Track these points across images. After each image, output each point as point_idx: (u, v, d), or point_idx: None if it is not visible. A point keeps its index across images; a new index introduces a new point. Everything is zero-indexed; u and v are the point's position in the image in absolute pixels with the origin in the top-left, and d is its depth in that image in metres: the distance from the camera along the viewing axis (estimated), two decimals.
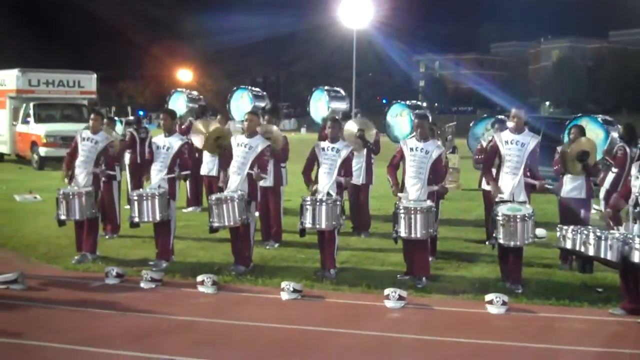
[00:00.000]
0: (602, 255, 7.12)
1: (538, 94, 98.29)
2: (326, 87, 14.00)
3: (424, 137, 8.69)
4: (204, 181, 13.05)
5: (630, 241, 6.89)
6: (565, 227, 7.66)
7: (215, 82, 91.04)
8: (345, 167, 8.96)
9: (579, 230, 7.39)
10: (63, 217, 9.27)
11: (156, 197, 8.99)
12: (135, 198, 9.03)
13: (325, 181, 8.84)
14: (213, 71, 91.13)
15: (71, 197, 9.18)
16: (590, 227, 7.74)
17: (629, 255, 6.88)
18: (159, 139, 9.61)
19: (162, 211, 9.02)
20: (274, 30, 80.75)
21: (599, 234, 7.15)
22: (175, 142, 9.41)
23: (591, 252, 7.20)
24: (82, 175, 9.46)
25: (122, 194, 11.43)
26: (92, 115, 9.99)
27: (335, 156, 8.91)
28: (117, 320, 7.10)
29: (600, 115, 13.74)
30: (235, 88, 14.73)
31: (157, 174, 9.30)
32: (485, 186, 10.60)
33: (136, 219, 9.09)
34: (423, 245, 8.50)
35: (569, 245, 7.52)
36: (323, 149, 9.04)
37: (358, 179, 11.26)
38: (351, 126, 11.37)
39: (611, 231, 7.26)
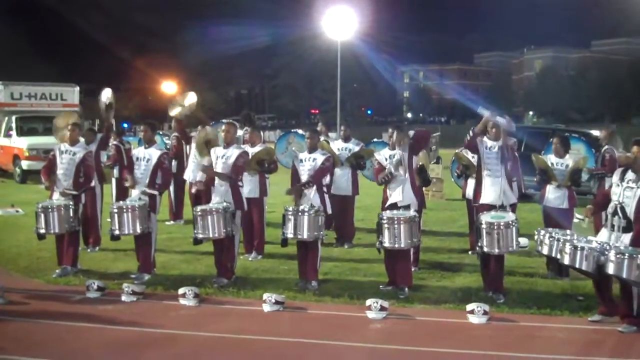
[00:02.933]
0: (577, 266, 7.11)
1: (521, 104, 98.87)
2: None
3: (399, 145, 8.75)
4: (189, 187, 12.81)
5: (607, 253, 6.91)
6: (542, 232, 7.75)
7: (200, 94, 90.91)
8: (315, 172, 8.84)
9: (556, 238, 7.45)
10: (42, 231, 9.19)
11: (136, 209, 8.95)
12: (116, 210, 8.97)
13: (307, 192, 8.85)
14: (198, 83, 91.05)
15: (50, 210, 9.12)
16: (568, 232, 7.80)
17: (604, 266, 6.90)
18: (138, 150, 9.61)
19: (142, 223, 8.98)
20: (258, 42, 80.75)
21: (575, 243, 7.14)
22: (154, 154, 9.38)
23: (566, 262, 7.21)
24: (61, 188, 9.44)
25: (105, 207, 11.35)
26: (68, 127, 9.96)
27: (312, 166, 8.95)
28: (98, 333, 7.05)
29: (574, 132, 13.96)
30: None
31: (138, 186, 9.26)
32: (469, 195, 10.65)
33: (116, 232, 9.03)
34: (405, 255, 8.52)
35: (545, 251, 7.65)
36: (301, 160, 9.07)
37: (345, 190, 11.41)
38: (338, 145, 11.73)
39: (588, 238, 7.31)
